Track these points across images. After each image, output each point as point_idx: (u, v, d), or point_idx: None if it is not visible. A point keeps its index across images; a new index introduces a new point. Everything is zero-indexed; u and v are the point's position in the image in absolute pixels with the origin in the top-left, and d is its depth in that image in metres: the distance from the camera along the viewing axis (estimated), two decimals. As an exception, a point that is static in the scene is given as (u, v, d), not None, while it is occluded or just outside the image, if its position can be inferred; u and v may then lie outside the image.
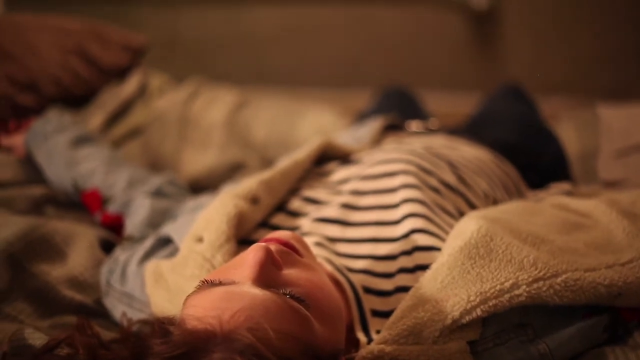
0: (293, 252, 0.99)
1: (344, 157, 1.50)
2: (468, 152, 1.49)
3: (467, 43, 3.22)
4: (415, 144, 1.47)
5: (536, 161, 1.64)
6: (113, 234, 1.53)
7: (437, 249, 1.11)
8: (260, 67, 3.58)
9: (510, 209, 1.19)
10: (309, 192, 1.36)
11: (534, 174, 1.58)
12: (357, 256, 1.19)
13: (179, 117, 2.19)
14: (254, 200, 1.28)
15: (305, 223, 1.29)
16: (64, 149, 1.67)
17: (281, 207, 1.35)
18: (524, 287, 0.98)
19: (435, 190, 1.27)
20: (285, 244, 0.99)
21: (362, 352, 0.98)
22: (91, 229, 1.51)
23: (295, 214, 1.33)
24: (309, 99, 2.63)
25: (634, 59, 3.17)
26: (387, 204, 1.25)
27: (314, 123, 2.20)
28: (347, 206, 1.28)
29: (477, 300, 0.98)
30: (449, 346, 0.98)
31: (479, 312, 0.97)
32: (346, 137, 1.75)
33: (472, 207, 1.30)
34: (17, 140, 1.79)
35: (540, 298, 0.98)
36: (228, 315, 0.82)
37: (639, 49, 3.17)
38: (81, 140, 1.70)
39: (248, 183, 1.31)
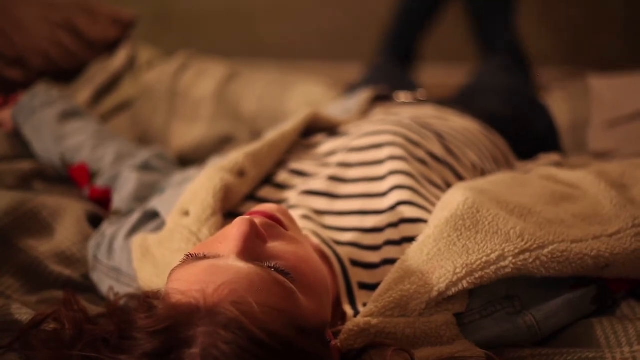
0: (278, 225, 0.98)
1: (332, 129, 1.49)
2: (457, 123, 1.48)
3: (458, 14, 3.20)
4: (403, 115, 1.46)
5: (526, 132, 1.64)
6: (101, 208, 1.53)
7: (424, 221, 1.10)
8: (250, 40, 3.56)
9: (497, 180, 1.19)
10: (296, 165, 1.36)
11: (523, 146, 1.57)
12: (344, 229, 1.19)
13: (168, 90, 2.17)
14: (240, 173, 1.27)
15: (292, 196, 1.28)
16: (51, 123, 1.66)
17: (268, 179, 1.34)
18: (510, 258, 0.98)
19: (422, 161, 1.26)
20: (271, 216, 0.98)
21: (349, 324, 0.97)
22: (79, 203, 1.50)
23: (282, 187, 1.32)
24: (300, 72, 2.61)
25: (625, 30, 3.17)
26: (374, 176, 1.25)
27: (304, 95, 2.18)
28: (334, 178, 1.27)
29: (463, 272, 0.97)
30: (436, 318, 0.98)
31: (465, 284, 0.97)
32: (335, 108, 1.74)
33: (460, 178, 1.29)
34: (4, 114, 1.78)
35: (526, 270, 0.98)
36: (212, 289, 0.81)
37: (630, 19, 3.16)
38: (69, 114, 1.69)
39: (234, 156, 1.31)
